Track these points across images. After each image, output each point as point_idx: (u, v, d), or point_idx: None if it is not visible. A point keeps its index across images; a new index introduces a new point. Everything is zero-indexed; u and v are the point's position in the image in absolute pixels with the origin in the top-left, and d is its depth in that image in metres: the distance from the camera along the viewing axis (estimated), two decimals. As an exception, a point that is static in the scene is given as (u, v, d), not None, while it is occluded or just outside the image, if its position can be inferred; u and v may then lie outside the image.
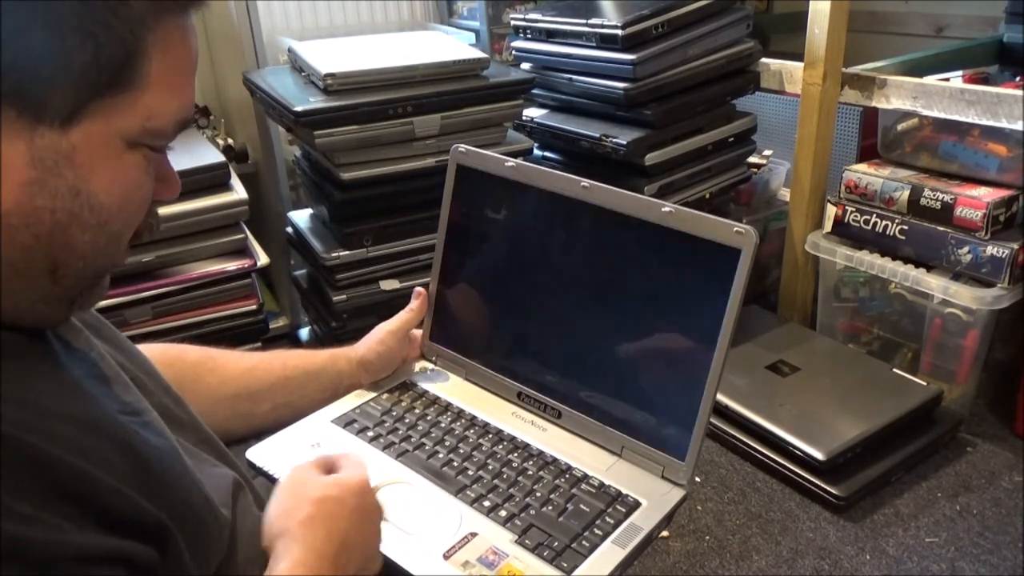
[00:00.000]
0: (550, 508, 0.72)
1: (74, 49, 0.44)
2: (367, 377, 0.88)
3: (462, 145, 0.88)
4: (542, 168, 0.83)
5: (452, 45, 1.54)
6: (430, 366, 0.93)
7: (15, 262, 0.46)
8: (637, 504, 0.72)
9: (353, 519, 0.60)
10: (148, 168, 0.50)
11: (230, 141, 1.80)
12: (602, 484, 0.75)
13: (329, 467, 0.65)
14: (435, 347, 0.93)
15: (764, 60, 1.59)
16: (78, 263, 0.49)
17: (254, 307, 1.45)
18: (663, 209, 0.75)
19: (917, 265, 1.36)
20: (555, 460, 0.78)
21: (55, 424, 0.44)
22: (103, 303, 1.28)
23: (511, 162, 0.84)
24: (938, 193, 1.32)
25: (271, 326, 1.62)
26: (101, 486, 0.45)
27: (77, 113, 0.45)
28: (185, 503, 0.52)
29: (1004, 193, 1.29)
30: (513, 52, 1.64)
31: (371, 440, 0.80)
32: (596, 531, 0.69)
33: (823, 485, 1.18)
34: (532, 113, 1.59)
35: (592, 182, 0.79)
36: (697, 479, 1.23)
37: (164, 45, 0.47)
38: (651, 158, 1.44)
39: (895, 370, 1.38)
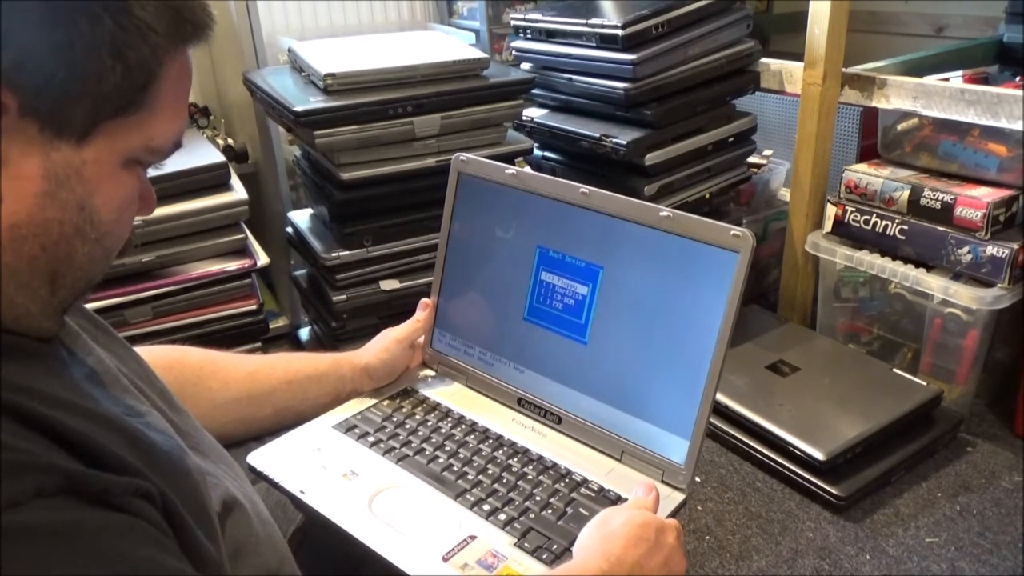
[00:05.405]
0: (550, 512, 0.72)
1: (106, 70, 0.45)
2: (370, 383, 0.88)
3: (463, 154, 0.88)
4: (542, 175, 0.83)
5: (452, 45, 1.53)
6: (431, 373, 0.93)
7: (21, 271, 0.47)
8: (637, 508, 0.72)
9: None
10: (139, 186, 0.52)
11: (230, 141, 1.80)
12: (601, 488, 0.75)
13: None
14: (436, 354, 0.93)
15: (764, 60, 1.59)
16: (76, 274, 0.50)
17: (254, 307, 1.45)
18: (661, 213, 0.75)
19: (917, 265, 1.36)
20: (555, 465, 0.78)
21: (68, 417, 0.45)
22: (104, 303, 1.30)
23: (511, 170, 0.85)
24: (938, 193, 1.32)
25: (271, 326, 1.62)
26: (123, 466, 0.46)
27: (93, 131, 0.47)
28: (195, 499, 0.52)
29: (1004, 193, 1.29)
30: (513, 52, 1.64)
31: (372, 445, 0.80)
32: (596, 535, 0.69)
33: (823, 485, 1.18)
34: (532, 113, 1.59)
35: (591, 188, 0.79)
36: (697, 479, 1.24)
37: (175, 71, 0.49)
38: (651, 158, 1.44)
39: (895, 370, 1.38)
